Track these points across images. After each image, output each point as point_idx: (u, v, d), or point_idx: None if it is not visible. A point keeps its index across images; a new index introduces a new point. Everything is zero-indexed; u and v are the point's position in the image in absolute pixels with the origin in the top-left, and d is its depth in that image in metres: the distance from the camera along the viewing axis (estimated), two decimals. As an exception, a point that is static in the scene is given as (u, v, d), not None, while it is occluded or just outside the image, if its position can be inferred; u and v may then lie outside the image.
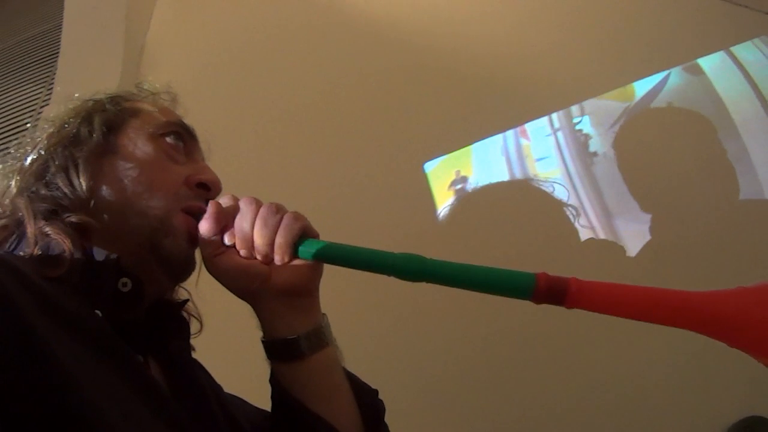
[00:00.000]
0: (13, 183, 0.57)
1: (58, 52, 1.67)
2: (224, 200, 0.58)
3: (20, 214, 0.54)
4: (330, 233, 1.32)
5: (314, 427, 0.55)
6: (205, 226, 0.56)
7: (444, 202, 1.44)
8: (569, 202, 1.57)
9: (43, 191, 0.55)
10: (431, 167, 1.48)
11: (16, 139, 1.52)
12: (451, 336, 1.19)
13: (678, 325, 0.44)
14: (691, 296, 0.45)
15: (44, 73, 1.72)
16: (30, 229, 0.52)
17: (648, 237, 1.56)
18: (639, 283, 0.46)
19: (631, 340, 1.30)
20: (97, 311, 0.48)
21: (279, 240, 0.54)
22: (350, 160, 1.46)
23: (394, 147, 1.48)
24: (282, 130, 1.49)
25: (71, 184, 0.55)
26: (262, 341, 0.58)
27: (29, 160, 0.58)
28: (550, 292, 0.45)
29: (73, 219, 0.53)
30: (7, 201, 0.57)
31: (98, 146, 0.58)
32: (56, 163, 0.57)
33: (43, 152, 0.58)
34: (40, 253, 0.51)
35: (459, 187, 1.48)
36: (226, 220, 0.56)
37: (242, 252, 0.55)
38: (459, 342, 1.21)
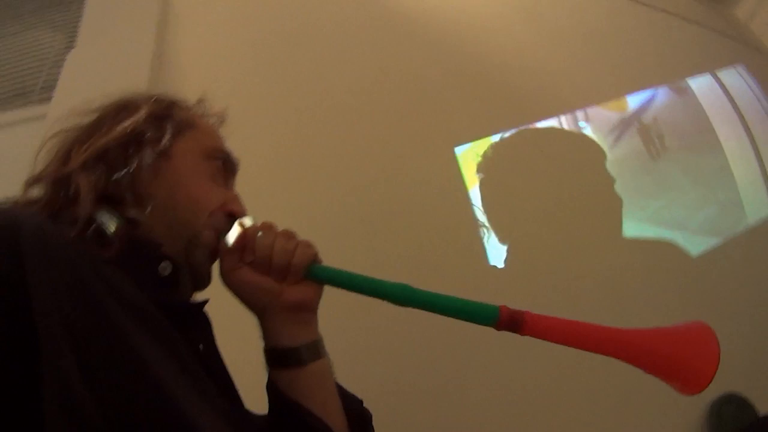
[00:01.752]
0: (73, 154, 0.60)
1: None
2: (246, 221, 0.63)
3: (77, 190, 0.56)
4: (361, 212, 1.34)
5: (312, 425, 0.59)
6: (230, 243, 0.61)
7: (472, 185, 1.51)
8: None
9: (106, 178, 0.58)
10: (461, 151, 1.54)
11: (27, 82, 1.46)
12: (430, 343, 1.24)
13: (607, 354, 0.56)
14: (618, 332, 0.57)
15: (59, 18, 1.64)
16: (84, 211, 0.54)
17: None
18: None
19: (613, 322, 1.40)
20: None
21: (296, 262, 0.61)
22: (384, 146, 1.50)
23: (425, 133, 1.54)
24: (308, 110, 1.49)
25: (135, 181, 0.59)
26: (265, 350, 0.63)
27: (94, 138, 0.61)
28: (510, 322, 0.56)
29: (131, 213, 0.57)
30: (65, 171, 0.58)
31: (163, 151, 0.62)
32: (123, 153, 0.60)
33: (110, 138, 0.60)
34: (92, 234, 0.54)
35: (479, 175, 1.55)
36: (247, 240, 0.61)
37: (259, 269, 0.61)
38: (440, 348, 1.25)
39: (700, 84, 2.02)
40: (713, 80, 2.03)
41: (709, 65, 2.05)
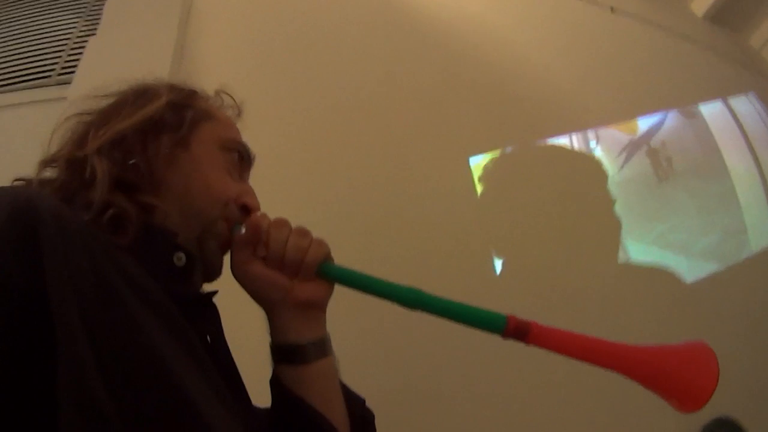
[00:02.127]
0: (89, 138, 0.59)
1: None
2: (260, 215, 0.63)
3: (92, 175, 0.55)
4: (378, 218, 1.35)
5: (315, 421, 0.59)
6: (244, 235, 0.61)
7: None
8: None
9: (122, 163, 0.57)
10: (475, 162, 1.55)
11: (47, 63, 1.48)
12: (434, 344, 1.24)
13: (609, 368, 0.57)
14: (619, 347, 0.58)
15: (80, 2, 1.66)
16: (100, 196, 0.53)
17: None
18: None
19: (611, 337, 1.40)
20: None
21: (309, 260, 0.61)
22: (404, 150, 1.51)
23: (440, 142, 1.55)
24: (326, 111, 1.51)
25: (150, 166, 0.58)
26: (271, 345, 0.63)
27: (112, 123, 0.60)
28: (516, 331, 0.57)
29: (146, 199, 0.57)
30: (81, 154, 0.58)
31: (181, 140, 0.62)
32: (141, 142, 0.59)
33: (128, 124, 0.60)
34: (107, 221, 0.53)
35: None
36: (261, 234, 0.61)
37: (271, 263, 0.61)
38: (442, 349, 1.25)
39: (710, 110, 2.03)
40: (724, 107, 2.04)
41: (720, 91, 2.07)
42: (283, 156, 1.34)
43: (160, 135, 0.61)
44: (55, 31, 1.60)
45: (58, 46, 1.56)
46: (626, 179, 1.85)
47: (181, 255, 0.57)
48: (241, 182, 0.68)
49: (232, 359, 0.64)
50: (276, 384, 0.62)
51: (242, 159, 0.69)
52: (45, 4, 1.68)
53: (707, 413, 1.33)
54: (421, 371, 1.24)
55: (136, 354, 0.41)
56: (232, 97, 0.74)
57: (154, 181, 0.59)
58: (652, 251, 1.75)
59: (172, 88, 0.67)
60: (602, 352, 0.59)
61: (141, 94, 0.64)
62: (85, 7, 1.66)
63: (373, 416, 0.69)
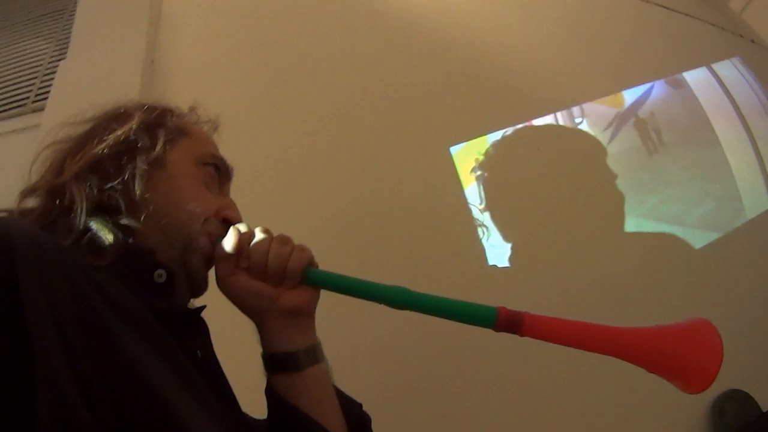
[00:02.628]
0: (66, 165, 0.60)
1: (63, 7, 1.60)
2: (241, 227, 0.63)
3: (70, 201, 0.56)
4: (359, 215, 1.33)
5: (311, 429, 0.59)
6: (225, 248, 0.61)
7: (467, 185, 1.50)
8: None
9: (99, 187, 0.58)
10: (456, 150, 1.53)
11: (20, 92, 1.46)
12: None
13: (608, 354, 0.56)
14: (618, 331, 0.56)
15: (50, 28, 1.63)
16: (78, 221, 0.55)
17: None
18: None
19: (615, 319, 1.39)
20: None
21: (291, 267, 0.60)
22: (384, 140, 1.49)
23: (418, 133, 1.53)
24: (303, 113, 1.49)
25: (127, 188, 0.59)
26: (263, 355, 0.63)
27: (87, 148, 0.61)
28: (509, 323, 0.55)
29: (125, 221, 0.57)
30: (59, 182, 0.59)
31: (156, 159, 0.62)
32: (117, 164, 0.60)
33: (104, 148, 0.60)
34: (86, 243, 0.54)
35: (479, 173, 1.54)
36: (242, 245, 0.61)
37: (255, 274, 0.61)
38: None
39: (696, 77, 2.01)
40: (709, 73, 2.02)
41: (704, 58, 2.05)
42: (259, 161, 1.33)
43: (134, 156, 0.61)
44: (27, 59, 1.59)
45: (32, 73, 1.54)
46: (616, 153, 1.83)
47: (162, 272, 0.57)
48: (221, 196, 0.68)
49: (222, 373, 0.64)
50: (270, 393, 0.62)
51: (220, 172, 0.68)
52: (15, 33, 1.66)
53: (716, 388, 1.32)
54: (415, 373, 1.23)
55: (118, 373, 0.41)
56: (206, 112, 0.74)
57: (132, 202, 0.59)
58: (650, 224, 1.74)
59: (145, 108, 0.67)
60: (600, 338, 0.57)
61: (114, 118, 0.65)
62: (55, 32, 1.63)
63: (370, 420, 0.69)
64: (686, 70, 2.00)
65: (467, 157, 1.54)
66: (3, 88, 1.53)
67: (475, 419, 1.21)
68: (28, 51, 1.59)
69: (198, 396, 0.50)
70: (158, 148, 0.62)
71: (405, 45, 1.67)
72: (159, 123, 0.66)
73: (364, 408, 0.70)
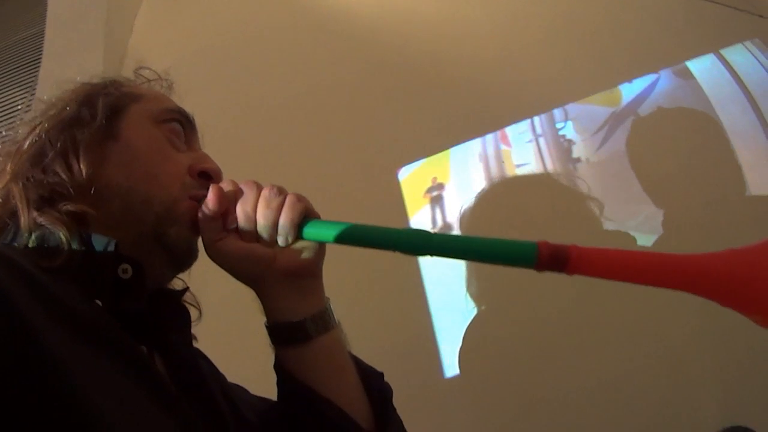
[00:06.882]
0: (8, 168, 0.55)
1: (41, 58, 1.69)
2: (225, 185, 0.56)
3: (13, 202, 0.52)
4: None
5: (322, 410, 0.54)
6: (207, 210, 0.54)
7: (418, 209, 1.43)
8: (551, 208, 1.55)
9: (39, 177, 0.53)
10: (406, 173, 1.46)
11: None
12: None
13: (673, 287, 0.46)
14: (684, 258, 0.46)
15: (28, 79, 1.74)
16: (24, 219, 0.50)
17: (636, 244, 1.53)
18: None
19: (612, 351, 1.27)
20: (98, 302, 0.47)
21: (283, 220, 0.54)
22: (324, 162, 1.45)
23: (368, 151, 1.47)
24: (256, 132, 1.49)
25: (70, 169, 0.53)
26: (267, 326, 0.57)
27: (26, 144, 0.56)
28: (553, 259, 0.46)
29: (70, 207, 0.51)
30: (1, 185, 0.54)
31: (100, 130, 0.56)
32: (55, 147, 0.54)
33: (42, 135, 0.55)
34: (35, 244, 0.49)
35: (435, 194, 1.47)
36: (227, 204, 0.55)
37: (245, 235, 0.55)
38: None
39: (703, 66, 1.81)
40: (718, 60, 1.81)
41: (710, 44, 1.83)
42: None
43: (73, 134, 0.55)
44: (6, 109, 1.69)
45: (9, 123, 1.64)
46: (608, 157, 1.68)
47: (126, 266, 0.51)
48: (191, 151, 0.62)
49: (198, 367, 0.58)
50: (279, 369, 0.57)
51: (183, 125, 0.63)
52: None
53: (718, 423, 1.20)
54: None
55: (31, 365, 0.37)
56: (155, 72, 0.68)
57: (83, 185, 0.53)
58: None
59: (82, 85, 0.62)
60: (663, 269, 0.47)
61: (51, 104, 0.60)
62: (32, 81, 1.74)
63: (392, 391, 0.62)
64: (691, 58, 1.80)
65: (421, 178, 1.47)
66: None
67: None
68: (6, 102, 1.70)
69: (154, 397, 0.45)
70: (99, 117, 0.56)
71: (342, 50, 1.61)
72: (95, 93, 0.60)
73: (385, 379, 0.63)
